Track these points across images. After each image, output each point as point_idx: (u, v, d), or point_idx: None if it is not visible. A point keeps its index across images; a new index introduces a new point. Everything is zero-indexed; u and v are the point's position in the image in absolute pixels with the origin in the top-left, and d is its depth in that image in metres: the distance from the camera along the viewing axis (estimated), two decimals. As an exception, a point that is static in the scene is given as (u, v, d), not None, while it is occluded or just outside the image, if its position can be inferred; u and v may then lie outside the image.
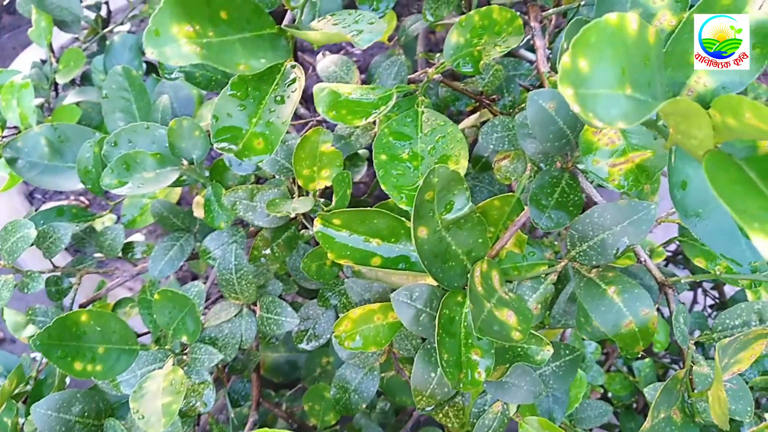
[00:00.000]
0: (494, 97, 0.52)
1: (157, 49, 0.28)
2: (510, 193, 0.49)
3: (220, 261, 0.49)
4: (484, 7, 0.44)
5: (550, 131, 0.38)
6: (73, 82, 0.93)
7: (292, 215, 0.45)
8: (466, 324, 0.34)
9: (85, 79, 0.94)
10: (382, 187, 0.39)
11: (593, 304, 0.37)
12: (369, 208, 0.37)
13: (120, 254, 0.60)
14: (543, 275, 0.40)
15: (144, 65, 0.89)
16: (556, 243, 0.49)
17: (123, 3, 1.08)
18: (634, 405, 0.92)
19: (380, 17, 0.42)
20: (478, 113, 0.63)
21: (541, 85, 0.52)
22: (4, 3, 1.59)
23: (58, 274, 0.59)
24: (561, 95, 0.38)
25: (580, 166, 0.40)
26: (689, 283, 0.68)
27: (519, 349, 0.37)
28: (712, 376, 0.40)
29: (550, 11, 0.57)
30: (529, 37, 0.59)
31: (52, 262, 0.58)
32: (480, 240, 0.35)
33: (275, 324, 0.49)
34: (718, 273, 0.41)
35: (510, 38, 0.42)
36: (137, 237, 1.09)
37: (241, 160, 0.33)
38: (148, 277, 0.58)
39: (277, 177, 0.48)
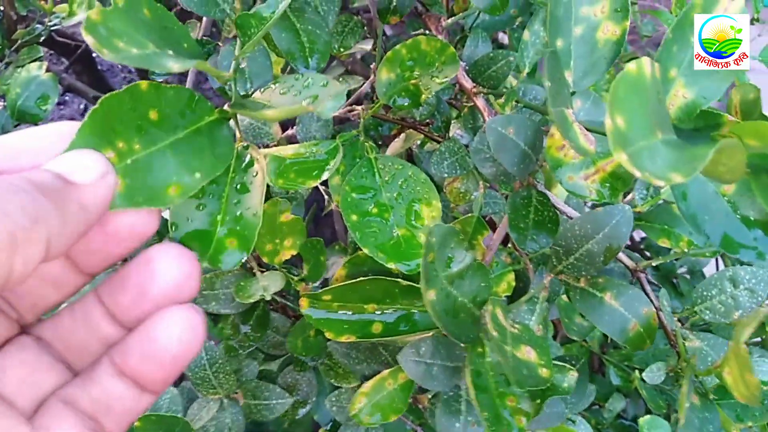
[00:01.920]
0: (428, 121, 0.52)
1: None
2: (469, 215, 0.49)
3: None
4: (411, 39, 0.43)
5: (514, 155, 0.37)
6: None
7: (268, 297, 0.42)
8: (492, 374, 0.33)
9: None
10: (364, 249, 0.37)
11: (595, 315, 0.37)
12: (360, 279, 0.35)
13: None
14: (535, 295, 0.39)
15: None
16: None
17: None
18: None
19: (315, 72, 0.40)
20: (403, 135, 0.62)
21: (469, 100, 0.52)
22: None
23: None
24: (517, 118, 0.38)
25: (543, 184, 0.40)
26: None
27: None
28: (706, 349, 0.42)
29: (450, 21, 0.57)
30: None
31: None
32: (482, 283, 0.34)
33: (266, 409, 0.46)
34: (686, 251, 0.43)
35: (445, 68, 0.41)
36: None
37: (217, 267, 0.30)
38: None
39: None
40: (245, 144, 0.33)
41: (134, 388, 0.24)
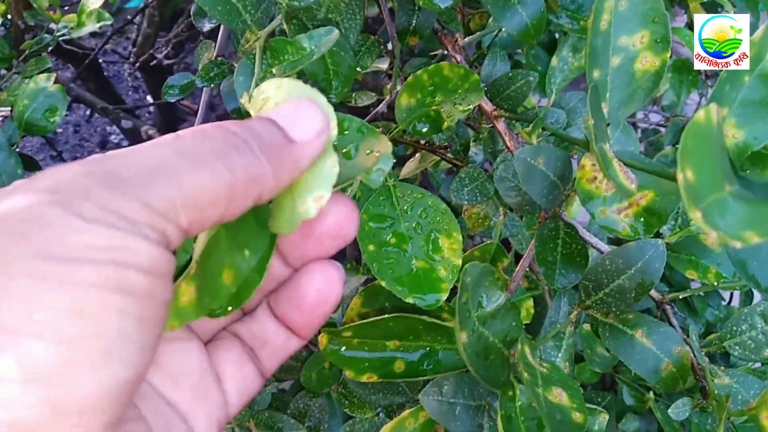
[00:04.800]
0: (446, 144, 0.50)
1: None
2: (489, 242, 0.47)
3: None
4: (433, 65, 0.41)
5: (543, 186, 0.36)
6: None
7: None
8: (523, 419, 0.31)
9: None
10: (382, 282, 0.36)
11: (626, 353, 0.36)
12: (383, 316, 0.34)
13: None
14: (561, 330, 0.38)
15: (21, 161, 0.79)
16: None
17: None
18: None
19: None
20: (418, 156, 0.61)
21: (488, 122, 0.51)
22: None
23: None
24: (547, 149, 0.37)
25: (568, 215, 0.39)
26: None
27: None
28: (735, 386, 0.41)
29: (467, 39, 0.56)
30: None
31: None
32: (513, 322, 0.33)
33: (278, 441, 0.44)
34: (716, 284, 0.42)
35: (469, 95, 0.40)
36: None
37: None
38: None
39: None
40: None
41: (283, 329, 0.27)
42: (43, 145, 1.44)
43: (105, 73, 1.33)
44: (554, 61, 0.43)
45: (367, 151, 0.29)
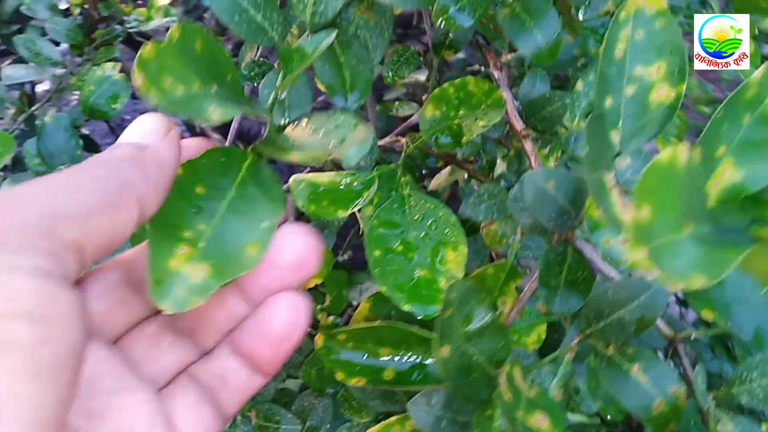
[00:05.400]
0: (472, 159, 0.51)
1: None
2: (503, 260, 0.47)
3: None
4: (459, 79, 0.42)
5: (552, 210, 0.36)
6: (5, 168, 0.86)
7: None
8: (500, 440, 0.31)
9: (17, 164, 0.87)
10: (381, 288, 0.36)
11: (620, 386, 0.35)
12: (377, 324, 0.34)
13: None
14: (560, 356, 0.38)
15: (81, 143, 0.84)
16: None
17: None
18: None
19: (354, 109, 0.40)
20: (448, 168, 0.61)
21: (518, 141, 0.51)
22: None
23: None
24: (559, 173, 0.37)
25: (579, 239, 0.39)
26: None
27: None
28: (741, 434, 0.39)
29: (509, 57, 0.56)
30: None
31: None
32: (501, 343, 0.33)
33: (275, 433, 0.46)
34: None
35: (490, 111, 0.40)
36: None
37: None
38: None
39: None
40: None
41: (247, 366, 0.26)
42: (109, 131, 1.51)
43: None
44: (579, 85, 0.43)
45: (342, 137, 0.30)
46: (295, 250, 0.25)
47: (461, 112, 0.42)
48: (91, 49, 0.88)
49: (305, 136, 0.33)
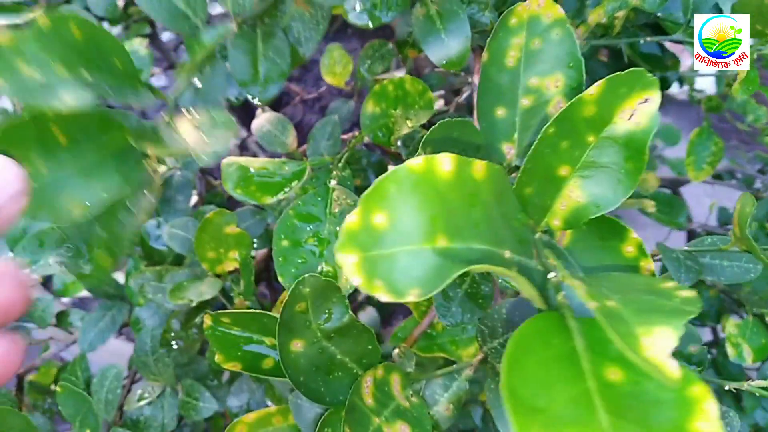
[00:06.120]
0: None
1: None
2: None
3: (137, 342, 0.47)
4: (398, 77, 0.41)
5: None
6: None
7: (194, 303, 0.43)
8: (348, 443, 0.31)
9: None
10: (280, 279, 0.36)
11: (499, 412, 0.34)
12: (258, 311, 0.35)
13: (54, 323, 0.58)
14: (456, 371, 0.37)
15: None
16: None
17: None
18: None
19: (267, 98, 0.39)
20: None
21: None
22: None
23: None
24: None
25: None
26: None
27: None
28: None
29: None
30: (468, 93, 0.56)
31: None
32: (370, 347, 0.32)
33: (193, 409, 0.47)
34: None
35: (420, 112, 0.39)
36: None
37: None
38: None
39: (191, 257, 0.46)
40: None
41: None
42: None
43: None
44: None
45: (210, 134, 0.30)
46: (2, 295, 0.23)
47: (398, 110, 0.41)
48: (127, 24, 0.92)
49: (189, 128, 0.33)
